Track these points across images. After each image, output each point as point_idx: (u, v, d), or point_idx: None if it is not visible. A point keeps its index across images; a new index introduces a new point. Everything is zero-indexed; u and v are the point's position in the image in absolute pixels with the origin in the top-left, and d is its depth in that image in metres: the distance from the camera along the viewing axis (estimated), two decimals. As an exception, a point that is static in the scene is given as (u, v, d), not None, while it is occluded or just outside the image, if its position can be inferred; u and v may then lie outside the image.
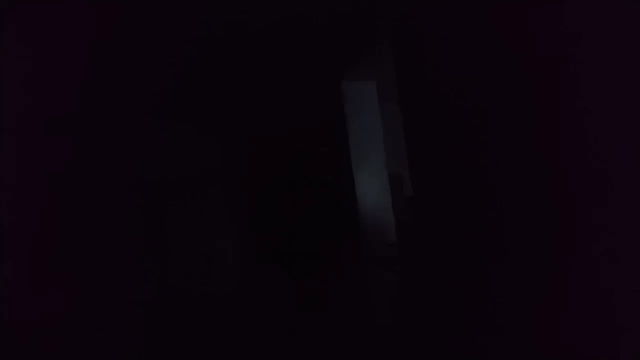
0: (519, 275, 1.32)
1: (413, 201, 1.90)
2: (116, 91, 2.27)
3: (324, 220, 2.73)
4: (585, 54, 1.07)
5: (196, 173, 2.44)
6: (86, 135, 2.15)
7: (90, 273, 2.07)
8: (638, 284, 0.97)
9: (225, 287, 2.42)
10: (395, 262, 2.51)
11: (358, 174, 2.74)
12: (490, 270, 1.45)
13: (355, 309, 2.67)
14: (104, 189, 2.17)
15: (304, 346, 2.45)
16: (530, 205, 1.26)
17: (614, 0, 0.99)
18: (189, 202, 2.39)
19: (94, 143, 2.17)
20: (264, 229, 2.57)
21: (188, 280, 2.33)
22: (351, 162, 2.74)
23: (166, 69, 2.41)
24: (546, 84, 1.18)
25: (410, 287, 2.01)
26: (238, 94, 2.61)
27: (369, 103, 2.86)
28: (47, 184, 2.01)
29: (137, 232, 2.24)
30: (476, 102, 1.47)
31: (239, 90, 2.61)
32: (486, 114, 1.42)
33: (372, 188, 2.77)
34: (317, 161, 2.77)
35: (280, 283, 2.55)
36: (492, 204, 1.43)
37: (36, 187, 1.98)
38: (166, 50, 2.41)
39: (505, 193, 1.37)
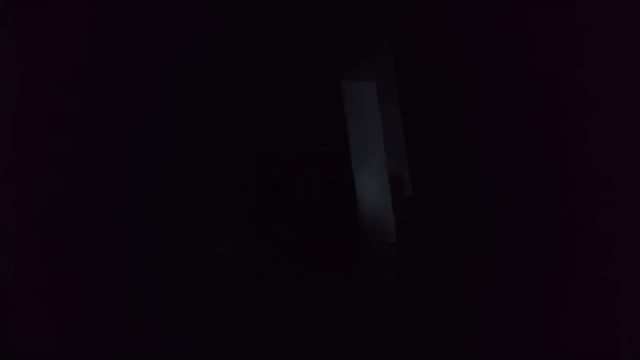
0: (519, 275, 1.32)
1: (413, 201, 1.90)
2: (116, 91, 2.27)
3: (324, 220, 2.73)
4: (585, 54, 1.07)
5: (196, 173, 2.44)
6: (86, 136, 2.15)
7: (89, 273, 2.07)
8: (639, 284, 0.97)
9: (225, 287, 2.42)
10: (395, 262, 2.51)
11: (358, 174, 2.74)
12: (490, 270, 1.45)
13: (355, 309, 2.67)
14: (103, 189, 2.17)
15: (304, 346, 2.45)
16: (531, 205, 1.26)
17: (616, 1, 0.99)
18: (188, 202, 2.39)
19: (93, 143, 2.17)
20: (263, 228, 2.57)
21: (188, 281, 2.33)
22: (351, 162, 2.74)
23: (166, 69, 2.41)
24: (546, 83, 1.18)
25: (410, 287, 2.01)
26: (238, 94, 2.61)
27: (369, 103, 2.86)
28: (47, 184, 2.01)
29: (137, 232, 2.24)
30: (476, 101, 1.47)
31: (239, 90, 2.61)
32: (486, 113, 1.42)
33: (372, 188, 2.77)
34: (317, 161, 2.77)
35: (280, 283, 2.55)
36: (492, 204, 1.43)
37: (36, 187, 1.98)
38: (166, 50, 2.41)
39: (505, 193, 1.37)
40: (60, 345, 1.95)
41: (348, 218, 2.76)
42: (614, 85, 1.00)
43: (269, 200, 2.61)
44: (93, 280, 2.07)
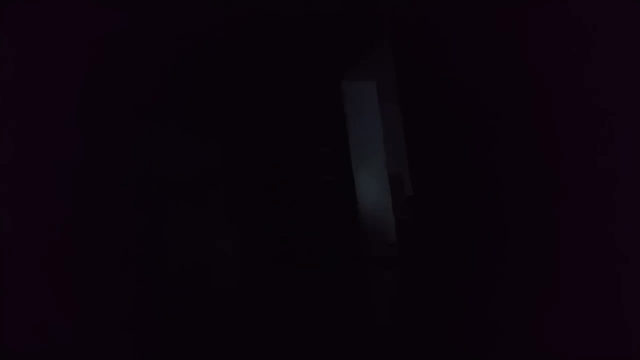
0: (519, 275, 1.33)
1: (413, 201, 1.90)
2: (115, 91, 2.27)
3: (324, 220, 2.73)
4: (586, 54, 1.07)
5: (195, 173, 2.44)
6: (86, 136, 2.15)
7: (88, 272, 2.07)
8: None
9: (225, 287, 2.42)
10: (395, 262, 2.51)
11: (358, 174, 2.74)
12: (490, 270, 1.45)
13: (355, 309, 2.67)
14: (103, 189, 2.17)
15: (304, 346, 2.45)
16: (531, 205, 1.26)
17: (617, 1, 0.99)
18: (188, 202, 2.39)
19: (93, 143, 2.17)
20: (263, 229, 2.57)
21: (188, 280, 2.33)
22: (351, 162, 2.74)
23: (166, 69, 2.42)
24: (546, 83, 1.18)
25: (410, 287, 2.01)
26: (238, 94, 2.61)
27: (369, 103, 2.86)
28: (46, 185, 2.01)
29: (136, 231, 2.24)
30: (476, 101, 1.47)
31: (239, 90, 2.61)
32: (486, 113, 1.42)
33: (372, 188, 2.77)
34: (317, 161, 2.77)
35: (280, 283, 2.55)
36: (492, 204, 1.43)
37: (36, 187, 1.98)
38: (166, 50, 2.41)
39: (505, 193, 1.37)
40: (60, 345, 1.95)
41: (348, 218, 2.76)
42: (616, 85, 1.00)
43: (269, 200, 2.61)
44: (92, 280, 2.07)
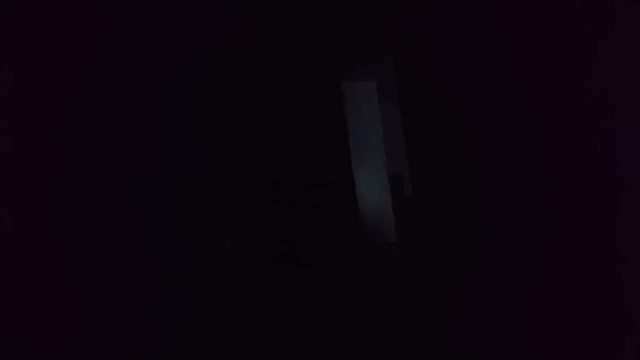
0: (519, 275, 1.33)
1: (413, 201, 1.90)
2: (115, 92, 2.27)
3: (324, 220, 2.73)
4: (586, 54, 1.07)
5: (195, 173, 2.44)
6: (86, 135, 2.15)
7: (89, 272, 2.07)
8: None
9: (225, 287, 2.42)
10: (395, 262, 2.51)
11: (358, 174, 2.75)
12: (490, 270, 1.46)
13: (355, 308, 2.67)
14: (103, 189, 2.17)
15: (305, 346, 2.45)
16: (531, 204, 1.26)
17: (617, 1, 0.99)
18: (188, 202, 2.40)
19: (93, 143, 2.17)
20: (264, 229, 2.57)
21: (188, 280, 2.33)
22: (351, 162, 2.74)
23: (166, 69, 2.42)
24: (546, 83, 1.18)
25: (410, 287, 2.01)
26: (238, 94, 2.61)
27: (369, 103, 2.86)
28: (46, 185, 2.01)
29: (136, 231, 2.24)
30: (476, 101, 1.47)
31: (239, 90, 2.61)
32: (486, 113, 1.42)
33: (372, 188, 2.77)
34: (317, 161, 2.77)
35: (280, 283, 2.55)
36: (492, 204, 1.43)
37: (36, 187, 1.98)
38: (167, 51, 2.41)
39: (505, 193, 1.37)
40: (60, 346, 1.95)
41: (348, 218, 2.76)
42: (613, 85, 1.00)
43: (269, 200, 2.61)
44: (92, 280, 2.07)
